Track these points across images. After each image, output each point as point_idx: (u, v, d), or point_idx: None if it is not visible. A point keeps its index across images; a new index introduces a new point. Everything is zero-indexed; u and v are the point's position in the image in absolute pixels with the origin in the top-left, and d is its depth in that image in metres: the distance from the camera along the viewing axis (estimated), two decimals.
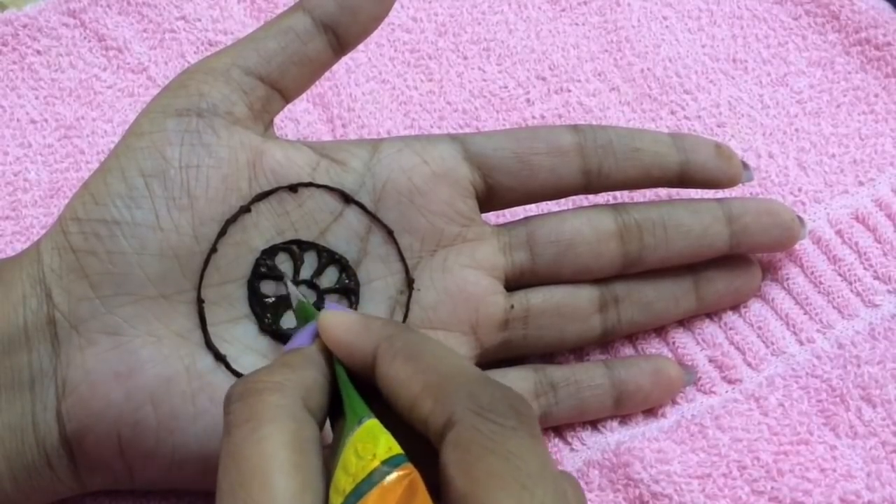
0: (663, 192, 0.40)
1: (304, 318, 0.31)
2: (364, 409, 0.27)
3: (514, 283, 0.36)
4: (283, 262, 0.33)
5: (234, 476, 0.25)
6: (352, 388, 0.28)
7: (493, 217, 0.38)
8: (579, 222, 0.36)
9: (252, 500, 0.24)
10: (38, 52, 0.44)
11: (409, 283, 0.34)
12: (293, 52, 0.34)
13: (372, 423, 0.27)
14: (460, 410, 0.25)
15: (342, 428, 0.27)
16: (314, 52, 0.34)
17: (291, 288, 0.32)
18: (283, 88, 0.34)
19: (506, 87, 0.44)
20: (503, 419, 0.25)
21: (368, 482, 0.25)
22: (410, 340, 0.28)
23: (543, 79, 0.44)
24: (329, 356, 0.29)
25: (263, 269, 0.33)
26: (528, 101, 0.43)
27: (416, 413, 0.26)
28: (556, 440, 0.36)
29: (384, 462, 0.25)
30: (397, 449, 0.26)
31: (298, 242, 0.34)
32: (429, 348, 0.28)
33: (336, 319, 0.29)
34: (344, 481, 0.26)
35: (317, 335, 0.29)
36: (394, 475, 0.25)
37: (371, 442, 0.26)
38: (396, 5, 0.46)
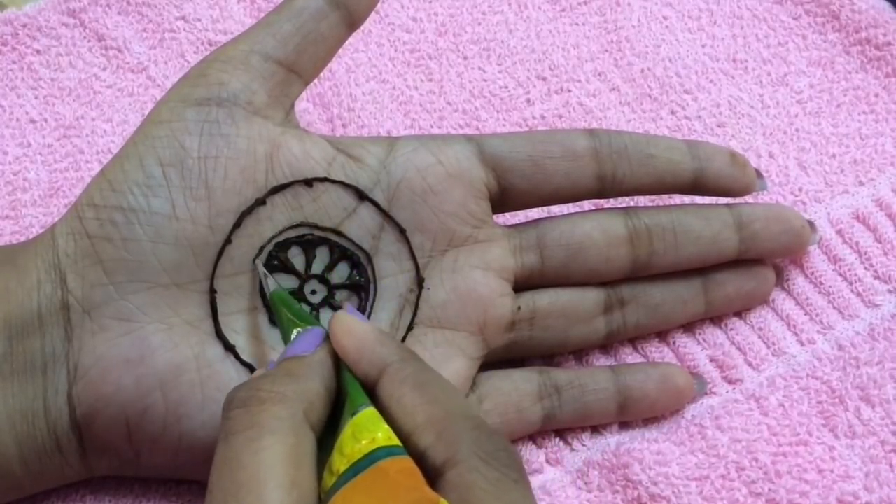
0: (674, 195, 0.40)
1: (296, 318, 0.31)
2: (364, 398, 0.27)
3: (522, 285, 0.36)
4: (296, 256, 0.34)
5: (229, 484, 0.25)
6: (353, 378, 0.28)
7: (504, 218, 0.38)
8: (590, 226, 0.36)
9: None
10: (38, 51, 0.44)
11: (419, 282, 0.34)
12: (308, 32, 0.34)
13: (371, 412, 0.27)
14: (464, 452, 0.25)
15: (340, 418, 0.27)
16: (328, 30, 0.34)
17: (274, 285, 0.32)
18: (301, 70, 0.34)
19: (506, 88, 0.44)
20: (507, 469, 0.25)
21: (366, 461, 0.25)
22: (420, 369, 0.28)
23: (543, 79, 0.44)
24: (335, 362, 0.29)
25: (276, 261, 0.33)
26: (528, 101, 0.43)
27: (412, 441, 0.26)
28: (557, 440, 0.36)
29: (383, 447, 0.25)
30: (398, 442, 0.26)
31: (312, 234, 0.34)
32: (437, 381, 0.28)
33: (353, 326, 0.29)
34: (339, 462, 0.25)
35: (321, 342, 0.29)
36: (392, 458, 0.25)
37: (370, 428, 0.26)
38: (396, 5, 0.46)
